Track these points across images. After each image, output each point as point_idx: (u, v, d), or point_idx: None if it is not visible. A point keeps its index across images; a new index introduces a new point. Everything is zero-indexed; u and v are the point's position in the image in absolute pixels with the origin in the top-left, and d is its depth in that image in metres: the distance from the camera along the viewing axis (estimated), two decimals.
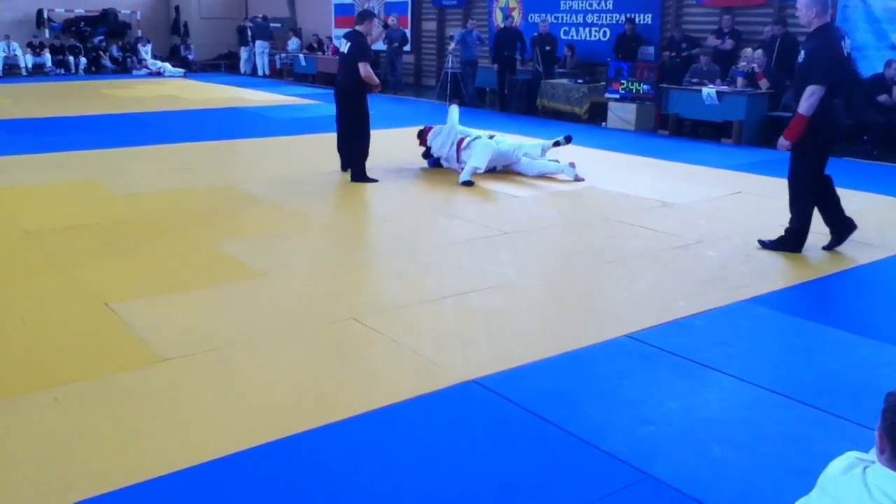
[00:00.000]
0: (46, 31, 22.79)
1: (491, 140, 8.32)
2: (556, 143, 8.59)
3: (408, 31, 18.47)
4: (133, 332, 4.02)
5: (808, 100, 5.30)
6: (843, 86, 5.59)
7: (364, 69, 7.98)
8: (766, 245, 5.70)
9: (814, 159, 5.56)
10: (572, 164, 8.21)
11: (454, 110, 8.68)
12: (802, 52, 5.51)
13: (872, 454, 1.87)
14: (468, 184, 7.77)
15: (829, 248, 5.72)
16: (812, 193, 5.62)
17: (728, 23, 12.21)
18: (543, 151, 8.42)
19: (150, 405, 3.28)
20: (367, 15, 8.45)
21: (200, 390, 3.42)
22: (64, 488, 2.68)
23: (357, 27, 8.26)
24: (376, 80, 8.24)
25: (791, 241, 5.64)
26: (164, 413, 3.21)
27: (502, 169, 8.37)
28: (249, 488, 2.72)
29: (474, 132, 8.54)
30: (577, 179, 8.05)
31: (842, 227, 5.71)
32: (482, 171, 7.99)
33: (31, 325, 4.11)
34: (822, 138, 5.47)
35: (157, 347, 3.83)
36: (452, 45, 15.31)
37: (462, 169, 8.03)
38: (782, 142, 5.51)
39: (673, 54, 12.75)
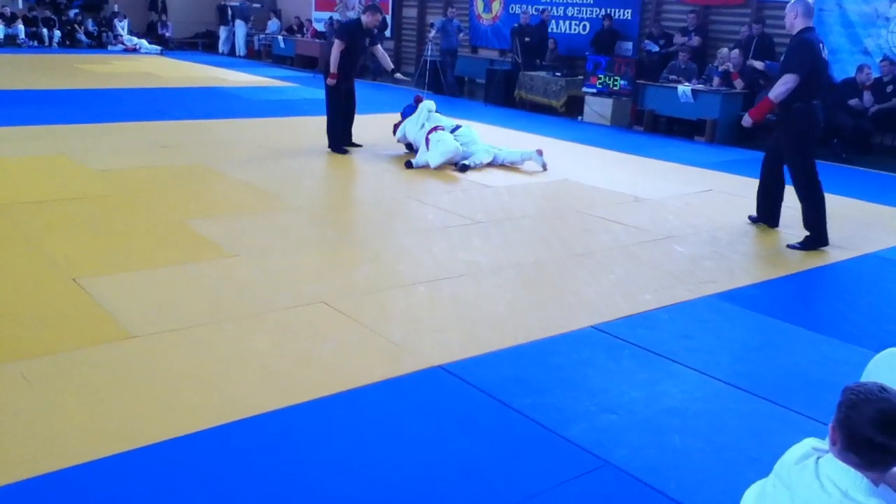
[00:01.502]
0: (20, 2, 22.38)
1: (453, 134, 8.26)
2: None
3: (388, 17, 18.39)
4: (101, 308, 4.01)
5: (781, 87, 5.66)
6: (823, 89, 5.94)
7: (333, 48, 8.42)
8: (795, 247, 5.82)
9: (810, 156, 5.89)
10: (539, 152, 8.25)
11: (428, 105, 8.65)
12: (784, 54, 5.87)
13: (828, 442, 1.93)
14: (409, 165, 7.95)
15: (754, 221, 6.35)
16: (816, 185, 5.92)
17: (693, 20, 12.30)
18: (522, 158, 8.31)
19: (117, 381, 3.28)
20: (369, 7, 8.74)
21: (168, 368, 3.42)
22: (30, 462, 2.68)
23: (361, 15, 8.73)
24: (334, 68, 8.40)
25: (816, 239, 5.84)
26: (131, 389, 3.21)
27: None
28: (214, 466, 2.74)
29: (447, 123, 8.51)
30: (544, 167, 8.17)
31: (768, 214, 6.26)
32: (433, 167, 7.91)
33: None
34: (812, 134, 5.87)
35: (126, 324, 3.83)
36: (433, 34, 15.27)
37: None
38: (746, 119, 5.97)
39: (652, 51, 12.82)
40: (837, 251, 5.78)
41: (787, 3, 5.85)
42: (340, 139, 8.68)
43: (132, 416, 3.01)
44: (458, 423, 3.11)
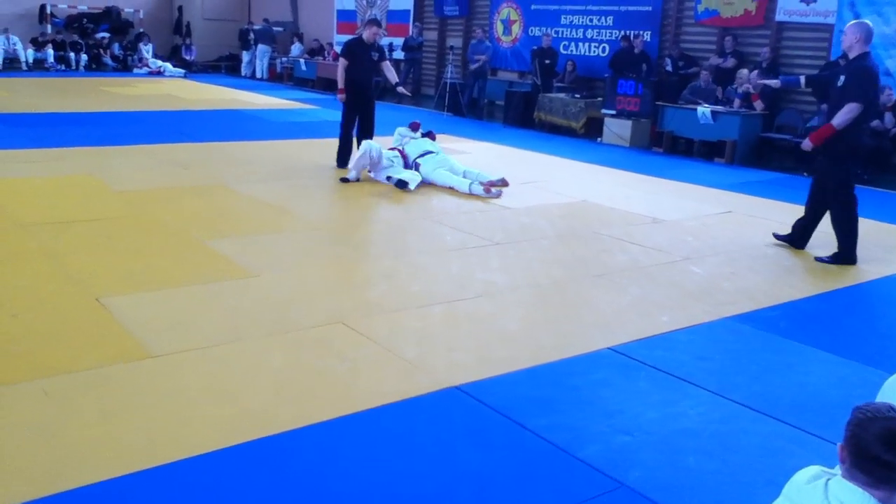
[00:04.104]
0: (49, 27, 22.83)
1: (420, 160, 8.30)
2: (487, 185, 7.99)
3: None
4: (123, 327, 4.06)
5: (845, 115, 5.67)
6: (873, 113, 6.03)
7: (338, 64, 8.92)
8: (824, 260, 5.98)
9: (846, 173, 5.96)
10: (487, 189, 7.88)
11: (400, 130, 8.82)
12: (842, 77, 5.80)
13: (837, 469, 1.94)
14: (344, 180, 8.17)
15: (780, 238, 6.32)
16: (853, 207, 5.99)
17: (730, 43, 12.30)
18: (471, 190, 7.89)
19: (137, 399, 3.32)
20: (368, 22, 9.05)
21: (187, 387, 3.46)
22: (50, 478, 2.72)
23: (362, 31, 8.87)
24: (340, 84, 8.81)
25: (845, 256, 5.97)
26: (150, 407, 3.26)
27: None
28: (230, 485, 2.76)
29: (415, 150, 8.48)
30: (490, 194, 7.80)
31: (799, 236, 6.23)
32: (352, 178, 8.15)
33: (22, 317, 4.15)
34: (854, 155, 6.01)
35: (146, 343, 3.88)
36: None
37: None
38: (806, 143, 6.03)
39: (672, 71, 12.85)
40: (856, 273, 5.75)
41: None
42: (346, 158, 8.85)
43: (151, 434, 3.05)
44: (472, 443, 3.12)
